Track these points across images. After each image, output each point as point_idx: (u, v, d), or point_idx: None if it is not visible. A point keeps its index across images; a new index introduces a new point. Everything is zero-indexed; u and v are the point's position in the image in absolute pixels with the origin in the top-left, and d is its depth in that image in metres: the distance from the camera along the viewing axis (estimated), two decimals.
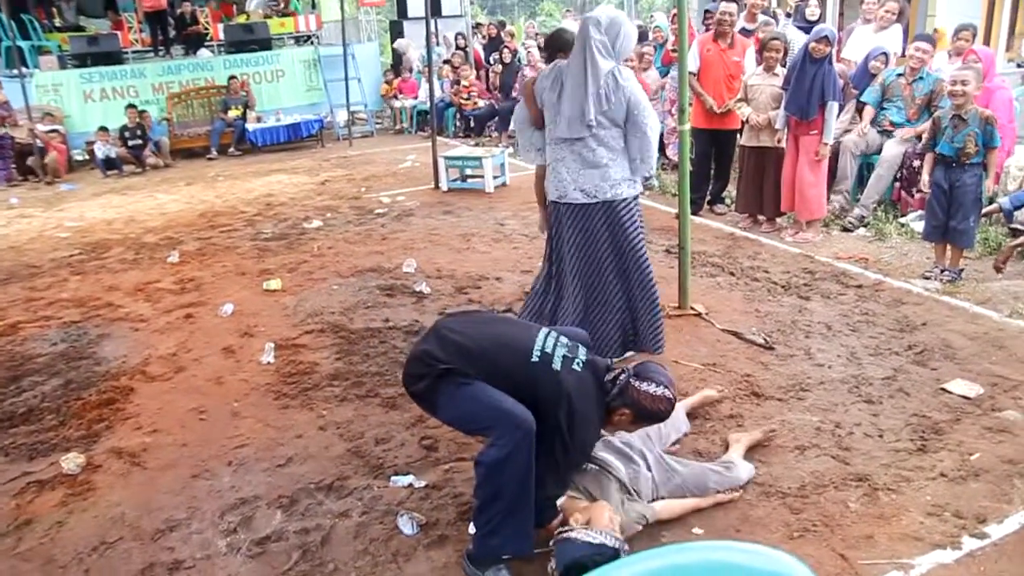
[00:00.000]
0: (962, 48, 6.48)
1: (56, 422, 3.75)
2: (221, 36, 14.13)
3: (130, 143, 11.36)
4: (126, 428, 3.66)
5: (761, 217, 6.39)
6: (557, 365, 2.49)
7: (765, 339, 4.20)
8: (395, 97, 13.95)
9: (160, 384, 4.11)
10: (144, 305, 5.37)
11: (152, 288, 5.72)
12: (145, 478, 3.23)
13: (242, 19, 14.79)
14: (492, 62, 12.44)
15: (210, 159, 11.95)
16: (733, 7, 6.61)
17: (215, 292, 5.51)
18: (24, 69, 11.19)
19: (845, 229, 6.16)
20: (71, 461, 3.34)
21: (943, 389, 3.59)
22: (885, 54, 6.74)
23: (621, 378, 2.56)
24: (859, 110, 6.67)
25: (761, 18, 7.50)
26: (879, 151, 6.41)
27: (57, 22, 14.32)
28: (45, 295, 5.76)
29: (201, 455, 3.36)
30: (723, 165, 6.92)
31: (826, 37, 5.67)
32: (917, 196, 6.05)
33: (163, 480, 3.20)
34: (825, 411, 3.45)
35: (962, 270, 5.02)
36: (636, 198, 3.85)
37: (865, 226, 6.18)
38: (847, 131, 6.59)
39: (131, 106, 11.67)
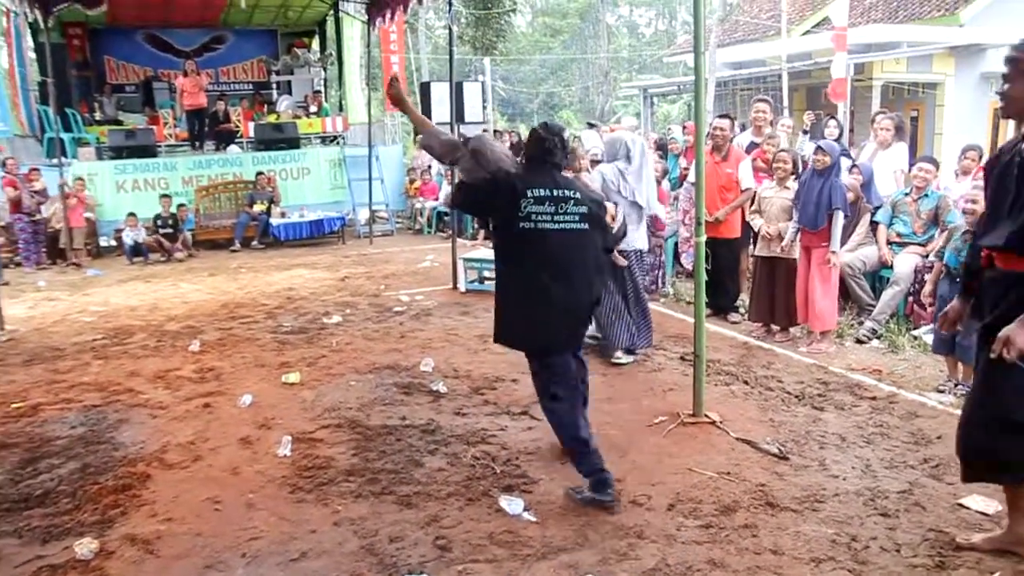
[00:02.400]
0: (969, 168, 6.73)
1: (71, 506, 3.76)
2: (251, 133, 14.67)
3: (161, 231, 11.69)
4: (141, 515, 3.67)
5: (775, 327, 6.47)
6: None
7: (779, 449, 4.21)
8: (416, 199, 14.32)
9: (177, 472, 4.14)
10: (164, 392, 5.44)
11: (172, 376, 5.80)
12: (158, 567, 3.23)
13: (272, 118, 15.37)
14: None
15: (233, 251, 12.24)
16: (725, 123, 6.98)
17: (234, 382, 5.59)
18: (63, 159, 11.64)
19: (859, 341, 6.23)
20: (85, 546, 3.34)
21: (960, 504, 3.57)
22: (856, 166, 7.07)
23: None
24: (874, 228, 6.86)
25: (767, 131, 7.77)
26: (880, 267, 6.63)
27: (98, 116, 14.94)
28: (67, 378, 5.84)
29: (215, 546, 3.36)
30: (724, 274, 7.01)
31: (820, 148, 5.96)
32: (929, 309, 6.15)
33: (176, 570, 3.20)
34: (840, 523, 3.43)
35: None
36: None
37: (878, 338, 6.24)
38: (861, 244, 6.77)
39: (165, 195, 12.08)
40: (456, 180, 4.23)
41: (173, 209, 12.02)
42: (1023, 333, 2.62)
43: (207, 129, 14.57)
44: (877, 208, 6.88)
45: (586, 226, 3.66)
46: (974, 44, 15.61)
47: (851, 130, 13.57)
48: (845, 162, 6.91)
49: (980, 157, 6.85)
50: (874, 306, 6.53)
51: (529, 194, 3.58)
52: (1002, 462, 2.99)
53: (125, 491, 3.90)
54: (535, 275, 3.61)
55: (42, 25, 11.14)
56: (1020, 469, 2.98)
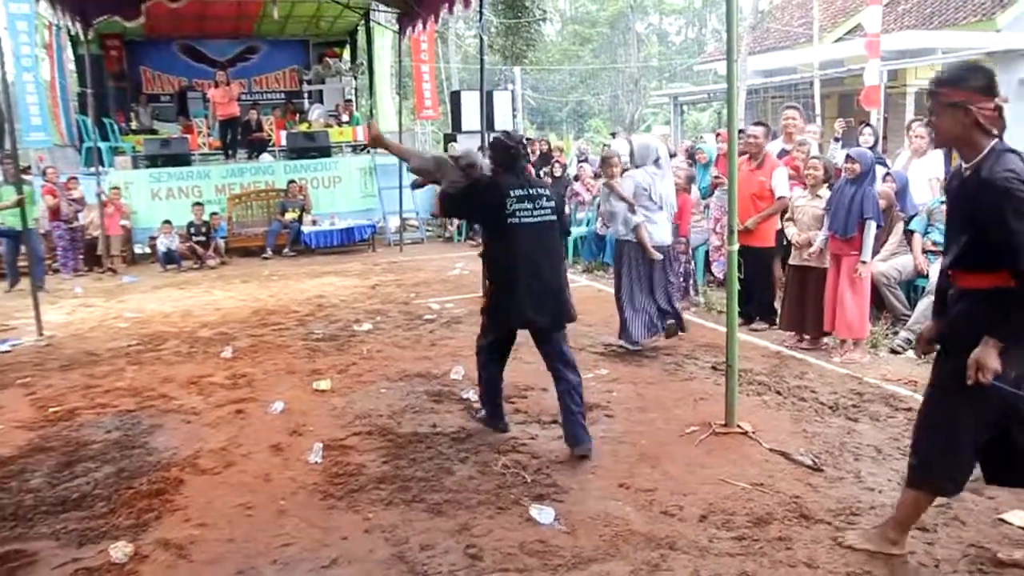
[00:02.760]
0: None
1: (107, 509, 3.81)
2: (283, 142, 14.84)
3: (194, 239, 11.86)
4: (175, 519, 3.71)
5: (807, 336, 6.40)
6: None
7: (813, 460, 4.15)
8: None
9: (209, 477, 4.18)
10: (197, 398, 5.50)
11: (205, 382, 5.86)
12: (191, 572, 3.26)
13: (304, 127, 15.53)
14: (543, 176, 12.81)
15: (265, 258, 12.37)
16: (759, 130, 6.87)
17: (266, 389, 5.64)
18: (100, 168, 11.85)
19: (894, 351, 6.13)
20: (119, 550, 3.38)
21: (1001, 519, 3.49)
22: (890, 174, 7.01)
23: None
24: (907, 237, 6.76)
25: (797, 138, 7.68)
26: (916, 276, 6.53)
27: (134, 125, 15.23)
28: (103, 383, 5.93)
29: (247, 552, 3.38)
30: (756, 283, 6.93)
31: (850, 156, 5.95)
32: None
33: (208, 575, 3.23)
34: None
35: None
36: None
37: (913, 348, 6.14)
38: (895, 253, 6.68)
39: (198, 204, 12.27)
40: (439, 192, 4.65)
41: (206, 217, 12.18)
42: (991, 355, 2.76)
43: (240, 138, 14.76)
44: (912, 217, 6.78)
45: (554, 217, 4.39)
46: (1012, 50, 15.35)
47: (884, 137, 13.40)
48: (880, 170, 6.84)
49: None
50: (909, 315, 6.43)
51: (512, 194, 4.23)
52: (935, 468, 3.10)
53: (159, 496, 3.95)
54: (519, 264, 4.26)
55: (82, 37, 11.37)
56: (944, 478, 3.10)
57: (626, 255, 6.34)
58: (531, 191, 4.29)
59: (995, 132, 2.87)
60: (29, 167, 11.83)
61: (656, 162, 6.25)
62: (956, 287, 3.04)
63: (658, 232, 6.25)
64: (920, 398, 5.00)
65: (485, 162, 4.73)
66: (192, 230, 11.98)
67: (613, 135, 13.52)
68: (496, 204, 4.24)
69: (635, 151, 6.46)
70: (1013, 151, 2.85)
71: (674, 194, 6.62)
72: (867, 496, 3.76)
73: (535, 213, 4.28)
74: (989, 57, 15.41)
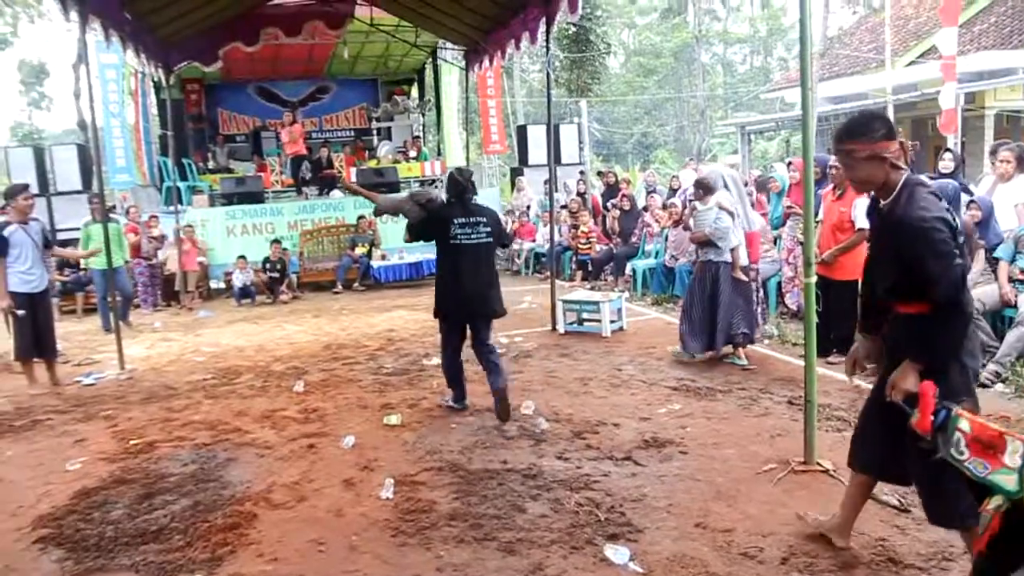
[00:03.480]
0: None
1: (184, 543, 3.86)
2: (353, 178, 15.14)
3: (269, 274, 12.16)
4: (248, 554, 3.74)
5: None
6: None
7: (900, 500, 3.96)
8: (513, 239, 14.43)
9: (282, 512, 4.21)
10: (270, 432, 5.57)
11: (278, 416, 5.94)
12: None
13: (373, 164, 15.85)
14: (610, 208, 12.77)
15: (336, 293, 12.58)
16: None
17: (337, 423, 5.68)
18: (179, 206, 12.29)
19: (983, 385, 5.85)
20: None
21: None
22: (975, 201, 6.77)
23: None
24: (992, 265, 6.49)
25: None
26: (1002, 307, 6.25)
27: (211, 165, 15.79)
28: (180, 416, 6.07)
29: None
30: (835, 317, 6.71)
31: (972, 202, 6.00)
32: None
33: None
34: None
35: None
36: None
37: (1003, 382, 5.86)
38: (977, 283, 6.42)
39: (276, 241, 12.60)
40: (406, 225, 5.91)
41: (282, 254, 12.49)
42: (906, 378, 2.98)
43: (310, 175, 15.14)
44: (997, 244, 6.51)
45: (490, 239, 5.68)
46: None
47: (963, 162, 12.99)
48: (963, 197, 6.60)
49: None
50: (996, 347, 6.15)
51: (455, 222, 5.54)
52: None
53: (233, 529, 3.98)
54: (458, 274, 5.58)
55: (164, 83, 11.85)
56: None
57: (721, 275, 6.69)
58: (471, 219, 5.59)
59: (904, 166, 3.09)
60: (114, 206, 12.31)
61: (725, 187, 6.80)
62: (894, 312, 3.21)
63: (744, 253, 6.78)
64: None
65: (441, 195, 6.03)
66: (268, 266, 12.29)
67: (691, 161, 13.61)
68: (443, 230, 5.56)
69: (708, 179, 6.96)
70: (921, 183, 3.08)
71: (754, 216, 7.06)
72: (958, 539, 3.55)
73: (473, 236, 5.57)
74: None
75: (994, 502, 2.43)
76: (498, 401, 5.48)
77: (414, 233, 5.88)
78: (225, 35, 11.42)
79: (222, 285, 13.00)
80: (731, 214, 6.65)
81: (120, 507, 4.33)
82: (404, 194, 6.87)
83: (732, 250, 6.62)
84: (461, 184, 5.68)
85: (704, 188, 6.87)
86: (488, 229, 5.64)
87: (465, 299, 5.63)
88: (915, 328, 3.02)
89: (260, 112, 17.62)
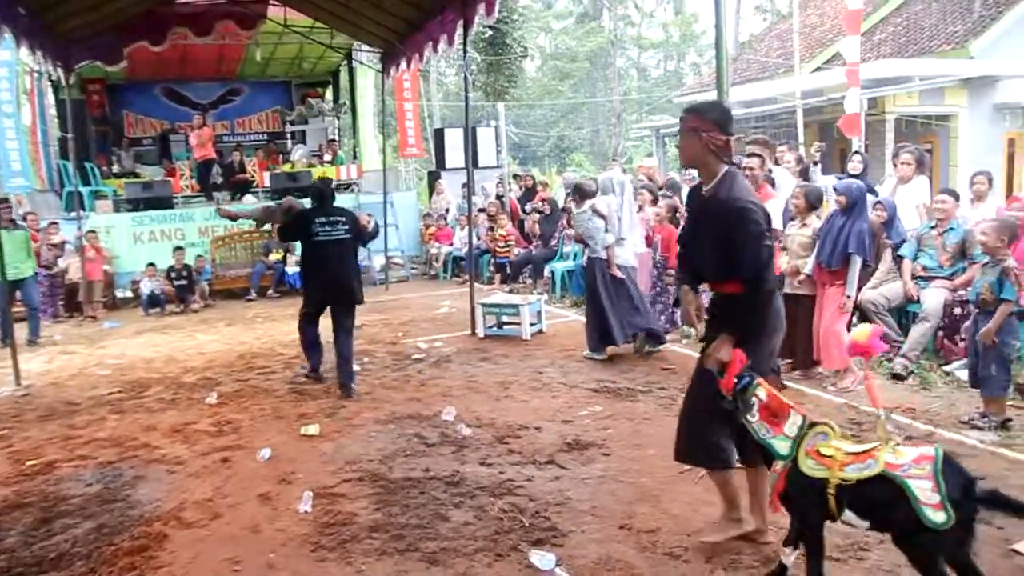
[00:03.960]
0: (981, 192, 6.73)
1: (86, 569, 3.64)
2: (267, 183, 14.76)
3: (176, 283, 11.70)
4: None
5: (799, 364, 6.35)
6: None
7: None
8: (431, 244, 14.33)
9: (195, 531, 4.02)
10: (181, 447, 5.33)
11: (190, 429, 5.70)
12: None
13: (287, 168, 15.47)
14: (528, 211, 12.79)
15: (249, 300, 12.22)
16: (753, 161, 6.76)
17: (252, 435, 5.48)
18: (81, 212, 11.73)
19: (895, 377, 6.05)
20: None
21: (1013, 550, 3.40)
22: (880, 202, 7.01)
23: None
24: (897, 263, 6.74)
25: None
26: (907, 303, 6.51)
27: (115, 169, 15.13)
28: (83, 433, 5.76)
29: None
30: None
31: (835, 188, 6.12)
32: (961, 344, 6.03)
33: None
34: (888, 573, 3.27)
35: (1008, 420, 4.90)
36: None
37: (909, 375, 6.08)
38: (884, 281, 6.65)
39: (179, 248, 12.12)
40: (275, 228, 7.20)
41: (188, 261, 12.04)
42: (719, 349, 3.27)
43: (221, 180, 14.68)
44: (901, 243, 6.76)
45: (348, 236, 6.53)
46: (986, 76, 15.56)
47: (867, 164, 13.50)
48: (870, 198, 6.81)
49: (990, 182, 6.92)
50: (901, 342, 6.38)
51: (316, 221, 6.46)
52: (703, 449, 3.51)
53: (141, 552, 3.78)
54: (320, 265, 6.52)
55: (63, 83, 11.29)
56: (722, 456, 3.48)
57: (598, 271, 7.13)
58: (331, 219, 6.50)
59: (726, 160, 3.41)
60: (26, 214, 11.65)
61: (614, 192, 7.26)
62: (714, 292, 3.53)
63: (623, 254, 7.15)
64: (920, 426, 4.98)
65: (302, 203, 7.39)
66: (173, 275, 11.82)
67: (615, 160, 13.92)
68: (307, 228, 6.49)
69: (600, 182, 7.55)
70: (739, 175, 3.43)
71: (635, 222, 7.65)
72: (873, 532, 3.64)
73: (333, 233, 6.46)
74: (963, 84, 15.62)
75: (778, 464, 3.02)
76: (343, 391, 6.37)
77: (284, 234, 7.05)
78: (130, 34, 10.94)
79: (129, 294, 12.47)
80: (603, 217, 7.06)
81: (15, 534, 4.06)
82: (270, 203, 8.39)
83: (607, 248, 7.05)
84: (322, 191, 6.78)
85: (580, 193, 7.38)
86: (346, 227, 6.54)
87: (327, 287, 6.57)
88: (729, 305, 3.39)
89: (168, 115, 16.99)
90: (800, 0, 20.55)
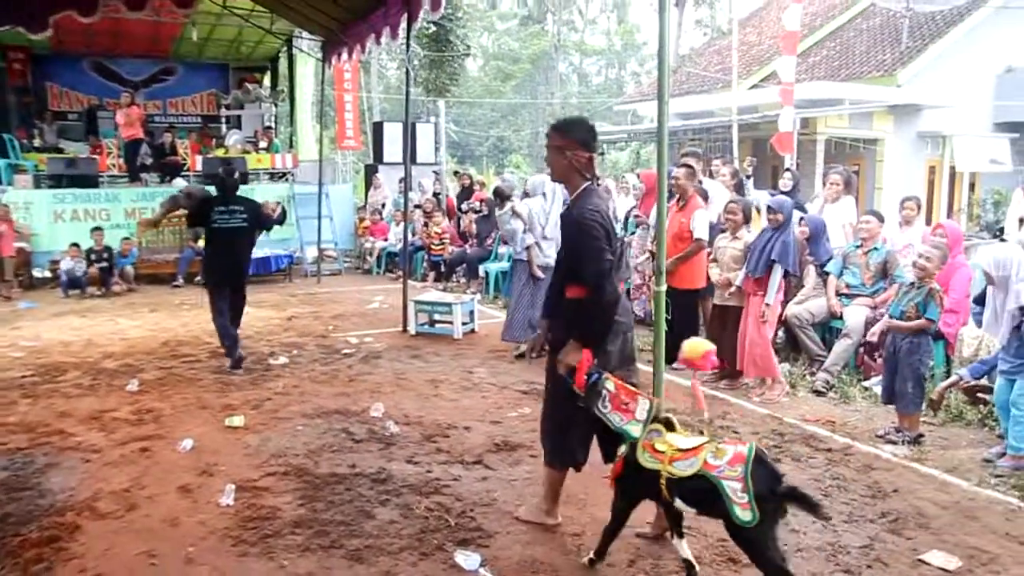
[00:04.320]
0: (910, 217, 6.99)
1: None
2: (199, 167, 14.37)
3: (96, 265, 11.30)
4: (68, 570, 3.42)
5: (725, 375, 6.49)
6: None
7: None
8: (366, 238, 14.19)
9: (109, 522, 3.89)
10: (98, 435, 5.16)
11: (108, 417, 5.52)
12: None
13: (220, 152, 15.10)
14: (464, 210, 12.76)
15: (176, 286, 11.89)
16: (680, 171, 6.88)
17: (174, 425, 5.34)
18: None
19: (817, 392, 6.23)
20: None
21: (921, 560, 3.54)
22: (803, 219, 7.24)
23: None
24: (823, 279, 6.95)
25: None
26: (830, 319, 6.73)
27: (37, 143, 14.51)
28: None
29: None
30: (678, 324, 6.94)
31: (770, 207, 6.31)
32: (879, 361, 6.25)
33: None
34: None
35: (921, 435, 5.10)
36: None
37: (831, 389, 6.28)
38: (808, 297, 6.86)
39: (97, 229, 11.70)
40: (185, 215, 7.46)
41: (109, 243, 11.64)
42: (568, 354, 3.48)
43: (151, 160, 14.24)
44: (828, 260, 6.97)
45: (246, 224, 6.99)
46: (911, 104, 16.19)
47: (798, 182, 13.88)
48: (796, 215, 7.02)
49: (918, 207, 7.17)
50: (824, 357, 6.58)
51: (216, 209, 6.89)
52: (557, 449, 3.78)
53: (51, 543, 3.65)
54: (220, 249, 6.98)
55: None
56: (569, 458, 3.76)
57: (520, 270, 7.47)
58: (230, 207, 6.94)
59: (588, 176, 3.67)
60: None
61: (543, 195, 7.39)
62: (564, 297, 3.69)
63: (545, 254, 7.24)
64: (838, 438, 5.15)
65: (204, 189, 8.05)
66: (93, 256, 11.40)
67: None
68: (206, 215, 6.89)
69: (528, 184, 7.83)
70: (596, 192, 3.69)
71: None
72: (792, 538, 3.76)
73: (231, 221, 6.90)
74: (890, 110, 16.22)
75: (621, 449, 3.29)
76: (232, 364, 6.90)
77: (189, 221, 7.48)
78: (57, 1, 10.51)
79: (48, 274, 11.98)
80: (521, 218, 7.30)
81: None
82: (178, 193, 8.69)
83: (527, 248, 7.29)
84: (223, 180, 7.17)
85: (499, 194, 7.86)
86: (244, 216, 6.96)
87: (225, 270, 7.01)
88: (575, 310, 3.59)
89: (97, 90, 16.38)
90: (740, 18, 21.04)
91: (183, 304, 10.32)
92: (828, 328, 6.85)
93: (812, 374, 6.51)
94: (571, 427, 3.66)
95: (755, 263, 6.05)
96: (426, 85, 22.02)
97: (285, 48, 16.58)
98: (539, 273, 7.24)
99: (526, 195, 7.71)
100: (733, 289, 6.32)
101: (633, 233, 8.66)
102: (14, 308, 10.11)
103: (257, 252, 12.49)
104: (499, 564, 3.46)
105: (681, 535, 3.37)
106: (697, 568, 3.35)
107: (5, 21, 10.25)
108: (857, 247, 6.75)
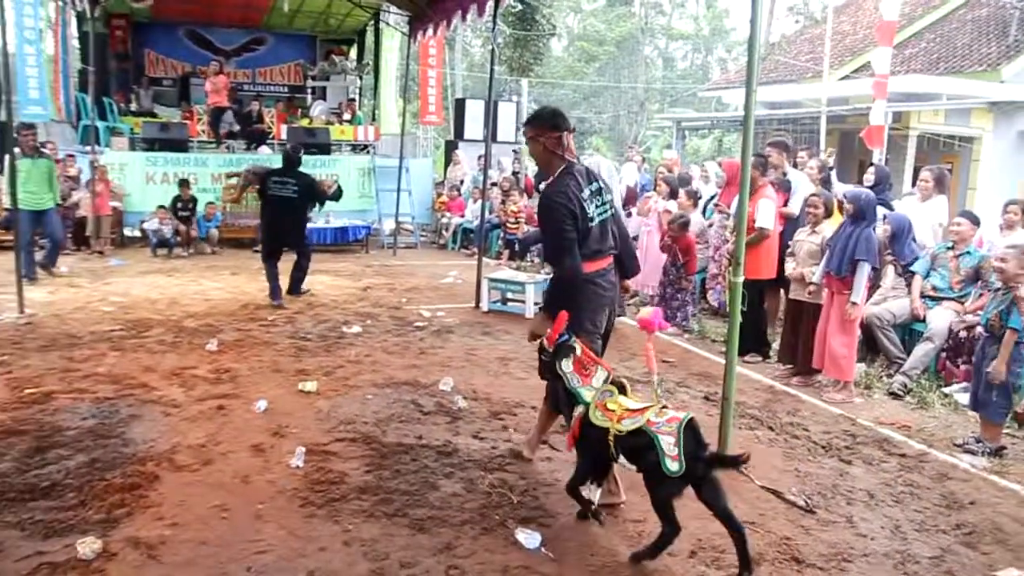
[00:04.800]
0: (1012, 222, 6.60)
1: (76, 501, 3.67)
2: (284, 136, 14.69)
3: (180, 214, 11.87)
4: (147, 517, 3.57)
5: (799, 371, 6.35)
6: None
7: (806, 501, 4.07)
8: (443, 213, 14.31)
9: (186, 475, 4.05)
10: (178, 390, 5.36)
11: (188, 374, 5.72)
12: (160, 574, 3.13)
13: (305, 122, 15.41)
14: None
15: (256, 251, 12.18)
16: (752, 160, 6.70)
17: (250, 386, 5.51)
18: (96, 147, 11.70)
19: (894, 395, 6.04)
20: (87, 546, 3.24)
21: None
22: (887, 217, 6.99)
23: None
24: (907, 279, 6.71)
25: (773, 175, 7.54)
26: (912, 320, 6.50)
27: (134, 107, 15.08)
28: (82, 367, 5.79)
29: (220, 556, 3.26)
30: (749, 314, 6.83)
31: (845, 196, 6.18)
32: (963, 367, 6.03)
33: None
34: None
35: (1003, 448, 4.91)
36: None
37: (908, 393, 6.08)
38: (884, 299, 6.65)
39: (184, 181, 12.27)
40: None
41: (193, 193, 12.21)
42: (535, 322, 3.94)
43: (238, 128, 14.63)
44: (913, 260, 6.72)
45: (296, 196, 8.20)
46: (1013, 101, 15.43)
47: (888, 177, 13.41)
48: (880, 211, 6.77)
49: (1023, 212, 6.75)
50: (903, 359, 6.38)
51: (271, 180, 8.16)
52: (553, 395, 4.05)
53: (132, 490, 3.81)
54: (268, 212, 8.37)
55: (88, 15, 11.22)
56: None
57: None
58: (284, 179, 8.18)
59: (565, 156, 3.91)
60: (45, 143, 11.52)
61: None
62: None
63: None
64: (914, 444, 4.99)
65: (265, 166, 9.47)
66: (179, 205, 11.94)
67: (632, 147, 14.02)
68: (264, 185, 8.16)
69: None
70: (572, 174, 3.86)
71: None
72: (859, 543, 3.67)
73: (282, 191, 8.12)
74: (991, 107, 15.50)
75: (578, 410, 3.53)
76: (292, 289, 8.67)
77: (259, 192, 8.42)
78: None
79: (138, 233, 12.47)
80: None
81: (8, 459, 4.09)
82: (248, 167, 9.84)
83: None
84: (287, 156, 8.52)
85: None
86: (296, 187, 8.16)
87: (273, 231, 8.38)
88: (549, 284, 4.09)
89: (190, 57, 16.90)
90: (835, 6, 20.35)
91: (262, 269, 10.56)
92: (908, 330, 6.62)
93: (889, 376, 6.31)
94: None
95: (837, 261, 5.84)
96: (510, 64, 22.04)
97: (372, 22, 16.78)
98: None
99: None
100: (812, 287, 6.13)
101: (711, 221, 8.52)
102: (106, 264, 10.56)
103: (336, 222, 12.86)
104: (559, 545, 3.47)
105: (600, 485, 3.71)
106: (595, 504, 3.69)
107: None
108: (948, 248, 6.48)
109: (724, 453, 3.42)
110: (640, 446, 3.27)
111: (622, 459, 3.38)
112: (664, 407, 3.35)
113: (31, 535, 3.36)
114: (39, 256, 9.31)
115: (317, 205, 8.70)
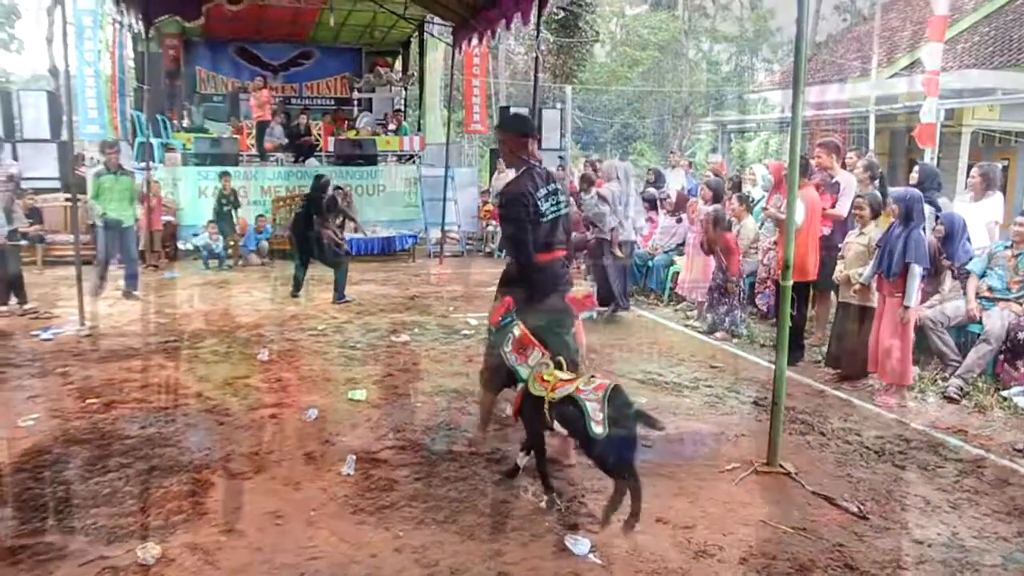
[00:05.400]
0: None
1: (136, 508, 3.78)
2: (331, 148, 14.94)
3: (224, 208, 12.18)
4: (203, 523, 3.66)
5: (849, 374, 6.25)
6: None
7: (859, 507, 4.00)
8: (488, 221, 14.37)
9: (239, 482, 4.14)
10: (232, 399, 5.48)
11: (240, 383, 5.85)
12: None
13: (352, 134, 15.64)
14: (584, 199, 12.72)
15: None
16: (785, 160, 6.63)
17: (301, 395, 5.61)
18: (150, 163, 12.03)
19: (949, 399, 5.90)
20: (147, 551, 3.34)
21: None
22: (939, 218, 6.84)
23: None
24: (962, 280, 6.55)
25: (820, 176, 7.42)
26: (968, 322, 6.33)
27: (186, 123, 15.47)
28: (140, 377, 5.96)
29: (274, 562, 3.32)
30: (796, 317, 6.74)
31: (892, 197, 6.03)
32: (1022, 370, 5.87)
33: None
34: None
35: None
36: None
37: (964, 397, 5.93)
38: (944, 299, 6.50)
39: (225, 174, 12.55)
40: None
41: (234, 185, 12.55)
42: (496, 306, 4.27)
43: (286, 141, 14.91)
44: (968, 260, 6.57)
45: (302, 208, 9.72)
46: None
47: (937, 175, 13.09)
48: (928, 211, 6.62)
49: None
50: (958, 362, 6.22)
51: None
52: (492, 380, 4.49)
53: (189, 497, 3.91)
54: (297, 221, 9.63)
55: (143, 35, 11.56)
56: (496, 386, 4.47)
57: (605, 249, 8.23)
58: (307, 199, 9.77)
59: (528, 159, 4.36)
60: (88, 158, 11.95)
61: (617, 179, 8.18)
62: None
63: (625, 230, 8.27)
64: (971, 449, 4.88)
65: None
66: (223, 201, 12.23)
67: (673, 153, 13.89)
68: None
69: (603, 169, 8.74)
70: (531, 174, 4.30)
71: (637, 206, 8.83)
72: (915, 550, 3.60)
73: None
74: None
75: (520, 385, 3.90)
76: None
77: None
78: None
79: (190, 246, 12.78)
80: (607, 201, 8.00)
81: (72, 468, 4.23)
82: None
83: (612, 230, 8.08)
84: (317, 183, 9.83)
85: (586, 181, 9.14)
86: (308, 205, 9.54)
87: (295, 238, 9.62)
88: (504, 271, 4.53)
89: (239, 73, 17.31)
90: (883, 1, 19.99)
91: (311, 279, 10.74)
92: (963, 332, 6.45)
93: (944, 379, 6.16)
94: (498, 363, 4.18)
95: (888, 263, 5.72)
96: (553, 71, 22.09)
97: (416, 33, 16.99)
98: (619, 252, 8.20)
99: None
100: (857, 287, 6.04)
101: (762, 225, 8.42)
102: (160, 277, 10.83)
103: (382, 232, 13.04)
104: (608, 551, 3.47)
105: (528, 452, 4.07)
106: (520, 469, 4.11)
107: (166, 11, 11.02)
108: (1006, 247, 6.30)
109: (647, 413, 3.72)
110: (571, 413, 3.57)
111: (556, 425, 3.69)
112: (592, 376, 3.71)
113: (94, 540, 3.47)
114: (122, 284, 9.25)
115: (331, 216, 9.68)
